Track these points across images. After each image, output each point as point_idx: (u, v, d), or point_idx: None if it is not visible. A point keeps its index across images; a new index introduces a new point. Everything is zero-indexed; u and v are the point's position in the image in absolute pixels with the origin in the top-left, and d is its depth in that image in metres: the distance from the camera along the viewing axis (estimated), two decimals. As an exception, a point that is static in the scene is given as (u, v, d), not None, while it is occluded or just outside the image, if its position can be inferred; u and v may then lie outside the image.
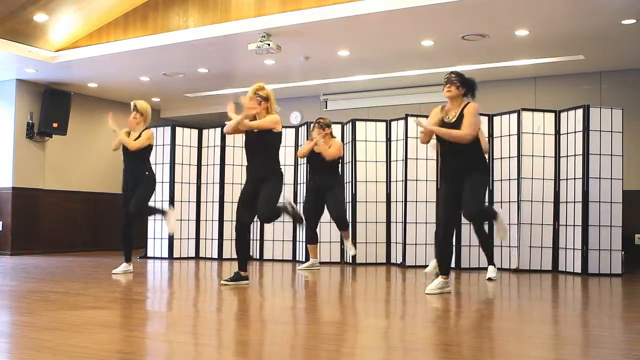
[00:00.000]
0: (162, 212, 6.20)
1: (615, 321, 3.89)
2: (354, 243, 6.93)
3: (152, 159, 7.99)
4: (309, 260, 6.84)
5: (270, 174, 5.06)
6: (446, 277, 4.65)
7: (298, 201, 7.84)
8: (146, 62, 7.96)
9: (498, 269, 6.32)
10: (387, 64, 7.84)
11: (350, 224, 7.10)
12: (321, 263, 7.35)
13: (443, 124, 4.58)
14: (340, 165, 6.85)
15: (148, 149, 6.07)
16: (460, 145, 4.48)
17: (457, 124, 4.50)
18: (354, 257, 7.16)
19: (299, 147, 7.86)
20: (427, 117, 7.26)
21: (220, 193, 8.16)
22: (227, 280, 5.11)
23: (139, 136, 5.97)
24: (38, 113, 8.93)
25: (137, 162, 5.98)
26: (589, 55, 7.27)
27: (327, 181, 6.55)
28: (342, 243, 7.31)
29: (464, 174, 4.49)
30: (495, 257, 6.87)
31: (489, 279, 5.66)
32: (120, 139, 5.97)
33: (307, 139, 7.03)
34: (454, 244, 4.86)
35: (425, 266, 6.83)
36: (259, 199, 4.98)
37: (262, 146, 5.09)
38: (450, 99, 4.60)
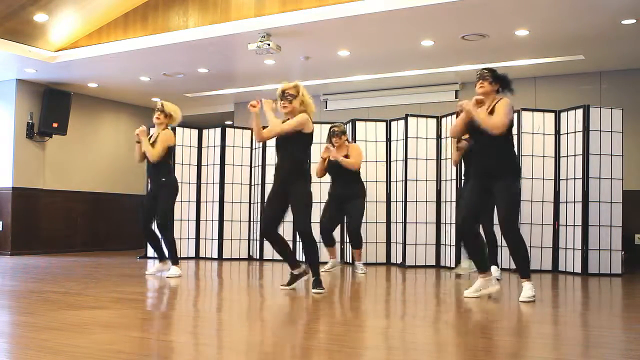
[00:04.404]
0: (174, 260, 5.85)
1: (615, 321, 3.89)
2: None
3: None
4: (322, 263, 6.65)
5: (295, 177, 4.74)
6: (485, 275, 4.50)
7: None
8: (146, 62, 7.96)
9: (503, 269, 6.32)
10: (387, 64, 7.84)
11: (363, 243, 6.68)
12: (321, 263, 7.34)
13: (474, 121, 4.39)
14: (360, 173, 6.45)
15: (166, 152, 5.77)
16: (492, 143, 4.32)
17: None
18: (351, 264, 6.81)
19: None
20: (427, 117, 7.32)
21: (220, 193, 8.16)
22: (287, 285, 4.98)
23: (156, 140, 5.75)
24: (38, 113, 8.93)
25: (155, 166, 5.78)
26: (589, 55, 7.27)
27: (347, 190, 6.25)
28: (353, 261, 6.78)
29: (495, 176, 4.34)
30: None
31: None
32: (144, 149, 5.72)
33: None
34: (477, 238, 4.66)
35: (427, 266, 6.84)
36: (293, 212, 4.76)
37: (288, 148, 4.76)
38: (483, 95, 4.43)
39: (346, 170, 6.15)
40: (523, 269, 4.39)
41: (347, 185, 6.25)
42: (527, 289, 4.32)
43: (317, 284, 4.76)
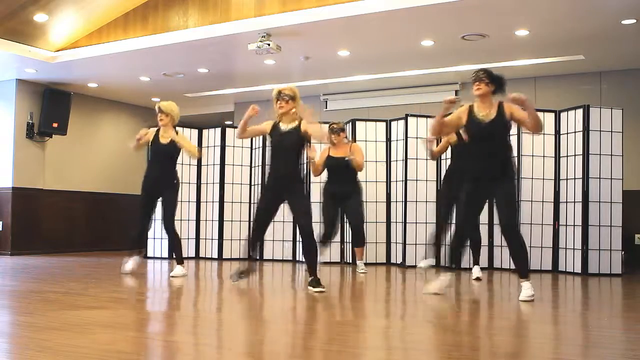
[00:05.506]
0: (179, 260, 5.83)
1: (615, 321, 3.89)
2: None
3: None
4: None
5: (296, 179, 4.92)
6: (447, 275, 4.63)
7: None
8: (146, 62, 7.96)
9: (504, 269, 6.33)
10: (387, 64, 7.84)
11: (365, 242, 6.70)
12: (321, 263, 7.36)
13: (477, 124, 4.41)
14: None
15: (180, 153, 5.89)
16: (496, 146, 4.38)
17: (495, 124, 4.36)
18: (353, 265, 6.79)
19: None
20: (427, 117, 7.32)
21: (220, 193, 8.16)
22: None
23: (171, 139, 5.74)
24: (38, 113, 8.93)
25: (169, 167, 5.82)
26: (589, 55, 7.26)
27: (347, 188, 6.26)
28: (353, 260, 6.85)
29: (497, 178, 4.36)
30: (496, 257, 6.88)
31: (477, 278, 5.71)
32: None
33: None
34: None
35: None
36: (295, 210, 4.86)
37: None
38: (480, 97, 4.43)
39: (346, 168, 6.17)
40: (524, 270, 4.41)
41: (346, 183, 6.28)
42: (527, 289, 4.32)
43: (317, 283, 4.78)
